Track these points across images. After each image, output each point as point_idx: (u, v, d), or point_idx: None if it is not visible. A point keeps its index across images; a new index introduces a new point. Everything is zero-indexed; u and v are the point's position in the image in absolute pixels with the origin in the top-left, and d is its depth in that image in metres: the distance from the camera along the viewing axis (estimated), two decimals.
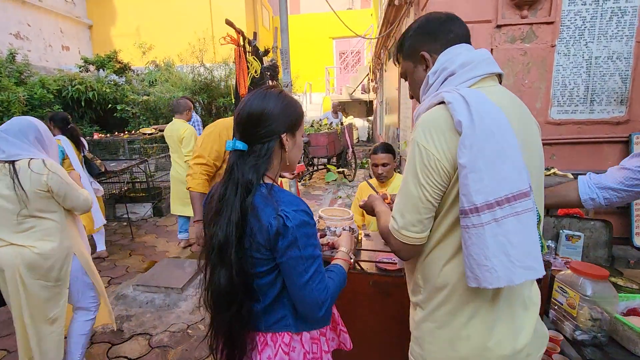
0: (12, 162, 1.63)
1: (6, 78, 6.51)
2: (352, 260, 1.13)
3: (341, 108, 9.35)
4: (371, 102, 12.81)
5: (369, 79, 11.95)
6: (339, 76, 14.69)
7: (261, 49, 1.83)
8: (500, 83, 0.95)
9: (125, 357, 2.31)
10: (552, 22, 2.80)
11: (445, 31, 0.94)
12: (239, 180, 0.90)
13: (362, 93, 12.70)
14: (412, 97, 1.04)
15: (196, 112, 5.67)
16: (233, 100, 1.73)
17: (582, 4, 2.76)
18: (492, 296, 0.86)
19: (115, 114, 8.25)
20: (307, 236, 0.89)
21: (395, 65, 1.09)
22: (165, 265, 3.44)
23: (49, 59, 9.42)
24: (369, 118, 14.03)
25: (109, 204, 5.25)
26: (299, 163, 0.99)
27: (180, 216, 4.01)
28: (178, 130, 3.83)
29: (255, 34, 1.53)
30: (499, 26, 2.84)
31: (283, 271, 0.91)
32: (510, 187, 0.75)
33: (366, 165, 8.77)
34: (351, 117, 13.05)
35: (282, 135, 0.94)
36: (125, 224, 4.94)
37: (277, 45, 2.09)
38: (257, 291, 0.94)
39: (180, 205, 3.87)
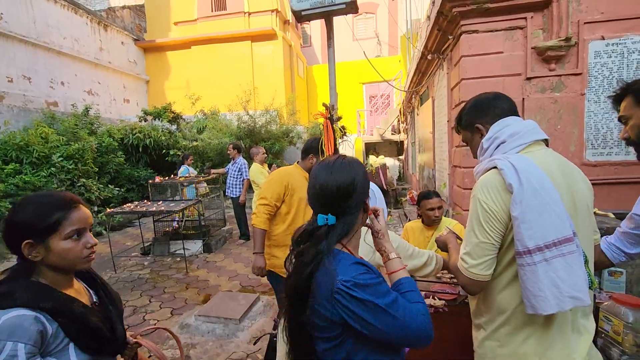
0: None
1: (81, 130, 7.51)
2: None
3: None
4: (402, 142, 13.15)
5: (399, 121, 12.39)
6: (370, 118, 15.30)
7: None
8: (547, 146, 1.16)
9: None
10: (580, 74, 3.05)
11: (492, 107, 1.20)
12: (319, 250, 0.91)
13: (392, 134, 13.11)
14: (475, 157, 1.27)
15: (243, 157, 6.22)
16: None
17: (607, 57, 3.01)
18: (544, 321, 1.05)
19: (166, 158, 9.09)
20: (372, 294, 0.87)
21: (457, 134, 1.37)
22: (221, 298, 3.72)
23: (112, 111, 10.68)
24: (400, 157, 14.30)
25: (163, 241, 5.73)
26: None
27: None
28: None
29: (333, 106, 1.92)
30: (528, 78, 3.12)
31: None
32: (555, 234, 0.96)
33: (399, 205, 8.91)
34: (382, 156, 13.40)
35: (365, 200, 0.98)
36: (179, 259, 5.35)
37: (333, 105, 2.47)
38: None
39: None
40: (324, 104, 1.73)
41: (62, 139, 6.88)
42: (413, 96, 8.08)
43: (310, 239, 0.94)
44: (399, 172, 14.28)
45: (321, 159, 1.96)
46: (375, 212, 1.07)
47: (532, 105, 3.14)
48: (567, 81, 3.09)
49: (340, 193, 0.93)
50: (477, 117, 1.23)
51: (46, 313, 0.90)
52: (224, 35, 12.07)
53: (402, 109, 11.23)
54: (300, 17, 3.37)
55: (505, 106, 1.20)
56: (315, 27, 16.86)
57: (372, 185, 1.55)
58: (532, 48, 3.07)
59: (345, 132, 1.93)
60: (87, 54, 9.80)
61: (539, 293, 0.96)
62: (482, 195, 1.07)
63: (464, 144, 1.32)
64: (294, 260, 0.97)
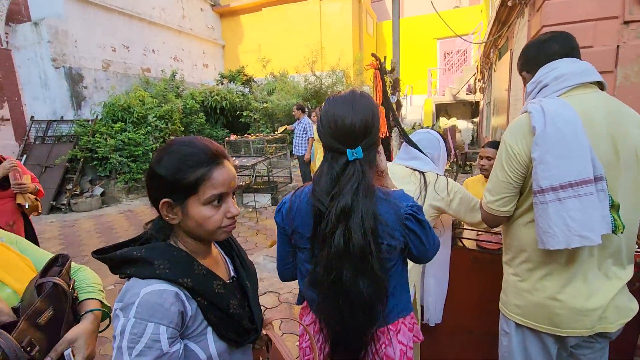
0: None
1: (169, 93, 8.43)
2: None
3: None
4: (477, 103, 12.13)
5: (475, 79, 11.38)
6: (442, 77, 14.27)
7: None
8: (602, 89, 1.10)
9: (263, 306, 3.01)
10: None
11: (545, 49, 1.16)
12: (363, 187, 0.90)
13: (467, 94, 12.13)
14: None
15: (308, 116, 6.46)
16: None
17: None
18: (566, 260, 1.08)
19: (240, 120, 9.79)
20: (423, 217, 0.98)
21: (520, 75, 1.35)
22: None
23: (194, 76, 11.66)
24: (474, 120, 13.27)
25: (237, 194, 6.42)
26: None
27: None
28: None
29: (385, 57, 1.97)
30: (627, 22, 2.70)
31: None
32: (574, 176, 0.97)
33: (467, 170, 8.47)
34: (454, 119, 12.58)
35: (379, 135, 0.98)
36: (250, 210, 5.99)
37: (394, 61, 2.47)
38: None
39: None
40: (372, 54, 1.79)
41: (155, 101, 7.84)
42: (492, 50, 7.35)
43: (344, 180, 0.91)
44: (472, 136, 13.33)
45: None
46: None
47: (629, 53, 2.73)
48: None
49: (366, 129, 0.91)
50: (523, 64, 1.22)
51: (186, 290, 0.75)
52: None
53: (479, 65, 10.27)
54: None
55: (562, 50, 1.13)
56: None
57: (436, 134, 1.64)
58: None
59: (397, 90, 1.97)
60: (172, 22, 10.69)
61: (548, 230, 1.01)
62: (508, 137, 1.12)
63: None
64: (340, 211, 0.89)
